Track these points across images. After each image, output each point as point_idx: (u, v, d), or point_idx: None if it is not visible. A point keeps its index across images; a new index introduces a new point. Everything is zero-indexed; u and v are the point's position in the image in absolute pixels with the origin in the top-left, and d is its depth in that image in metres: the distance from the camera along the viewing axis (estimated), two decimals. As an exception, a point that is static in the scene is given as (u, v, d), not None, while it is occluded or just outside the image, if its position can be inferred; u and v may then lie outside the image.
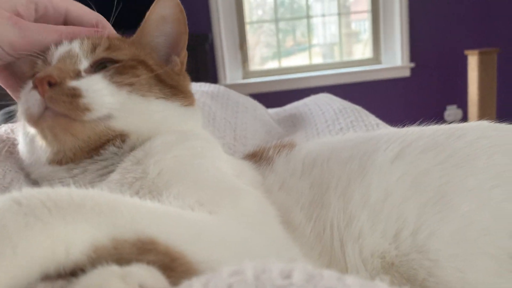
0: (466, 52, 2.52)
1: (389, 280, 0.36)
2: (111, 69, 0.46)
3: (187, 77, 0.56)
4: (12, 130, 0.61)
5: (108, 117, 0.44)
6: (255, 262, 0.23)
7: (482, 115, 2.47)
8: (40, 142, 0.45)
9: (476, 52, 2.43)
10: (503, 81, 2.70)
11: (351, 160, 0.44)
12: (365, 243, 0.39)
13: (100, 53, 0.48)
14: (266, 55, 3.18)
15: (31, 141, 0.47)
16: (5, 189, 0.44)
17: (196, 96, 0.76)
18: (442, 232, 0.36)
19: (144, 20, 0.53)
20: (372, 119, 0.78)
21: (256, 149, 0.55)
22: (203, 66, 2.49)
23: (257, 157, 0.52)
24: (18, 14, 0.47)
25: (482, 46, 2.62)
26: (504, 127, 0.45)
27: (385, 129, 0.51)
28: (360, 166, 0.43)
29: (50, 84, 0.41)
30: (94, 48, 0.48)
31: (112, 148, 0.45)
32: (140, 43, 0.52)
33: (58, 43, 0.48)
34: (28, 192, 0.26)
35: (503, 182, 0.38)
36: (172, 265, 0.26)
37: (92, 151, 0.45)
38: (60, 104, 0.41)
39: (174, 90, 0.50)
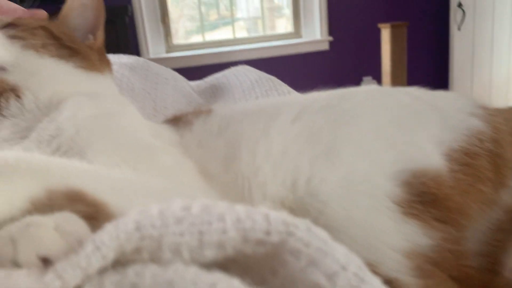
0: (379, 25, 2.69)
1: (270, 205, 0.42)
2: (9, 28, 0.49)
3: (103, 53, 0.59)
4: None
5: (1, 68, 0.46)
6: (163, 203, 0.26)
7: (394, 85, 2.68)
8: None
9: (388, 25, 2.60)
10: (412, 52, 2.94)
11: (259, 121, 0.49)
12: (268, 190, 0.44)
13: (4, 20, 0.50)
14: (190, 29, 3.13)
15: None
16: None
17: (115, 68, 0.76)
18: (330, 179, 0.42)
19: (64, 6, 0.57)
20: (285, 87, 0.84)
21: (176, 114, 0.58)
22: (124, 39, 2.39)
23: (175, 121, 0.55)
24: None
25: (393, 20, 2.82)
26: (387, 89, 0.52)
27: (291, 96, 0.57)
28: (265, 126, 0.48)
29: None
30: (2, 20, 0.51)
31: (14, 103, 0.47)
32: (57, 23, 0.55)
33: None
34: None
35: (380, 136, 0.44)
36: (97, 215, 0.29)
37: None
38: None
39: (73, 53, 0.52)
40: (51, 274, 0.24)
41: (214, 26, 3.18)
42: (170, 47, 2.96)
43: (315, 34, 3.04)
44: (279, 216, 0.25)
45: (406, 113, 0.48)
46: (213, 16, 3.18)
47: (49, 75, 0.49)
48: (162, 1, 2.86)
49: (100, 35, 0.58)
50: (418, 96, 0.51)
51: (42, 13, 0.59)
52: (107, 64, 0.59)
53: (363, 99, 0.49)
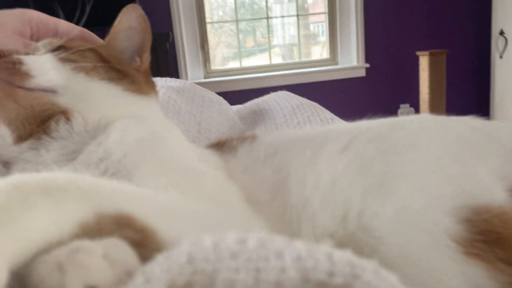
0: (418, 53, 2.65)
1: (333, 243, 0.40)
2: (60, 51, 0.50)
3: (149, 75, 0.59)
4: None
5: (52, 92, 0.47)
6: (215, 234, 0.25)
7: (432, 113, 2.59)
8: None
9: (426, 53, 2.56)
10: (452, 80, 2.86)
11: (306, 150, 0.47)
12: (317, 223, 0.42)
13: (56, 42, 0.51)
14: (227, 55, 3.20)
15: None
16: None
17: (162, 91, 0.77)
18: (384, 213, 0.39)
19: (111, 29, 0.58)
20: (327, 114, 0.82)
21: (220, 139, 0.58)
22: (164, 64, 2.47)
23: (220, 146, 0.54)
24: (19, 33, 0.54)
25: (432, 47, 2.77)
26: (442, 119, 0.49)
27: (338, 123, 0.55)
28: (312, 155, 0.46)
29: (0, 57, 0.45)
30: (51, 42, 0.52)
31: (63, 126, 0.47)
32: (105, 46, 0.56)
33: None
34: (20, 177, 0.27)
35: (437, 169, 0.42)
36: (145, 242, 0.28)
37: (40, 124, 0.47)
38: (2, 70, 0.44)
39: (121, 75, 0.53)
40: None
41: (250, 53, 3.23)
42: (208, 73, 3.02)
43: (352, 60, 3.03)
44: (344, 256, 0.23)
45: (463, 144, 0.45)
46: (249, 43, 3.24)
47: (98, 98, 0.50)
48: (202, 28, 2.95)
49: (147, 58, 0.59)
50: (475, 126, 0.49)
51: (92, 36, 0.60)
52: (153, 87, 0.59)
53: (416, 128, 0.47)
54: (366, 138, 0.46)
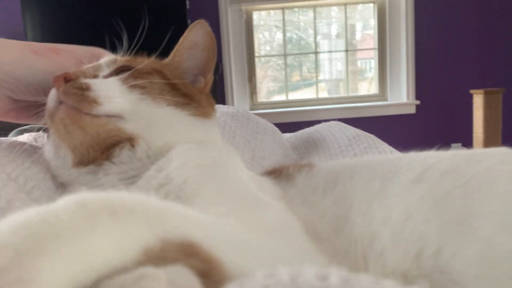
0: (472, 91, 2.56)
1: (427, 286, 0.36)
2: (127, 75, 0.49)
3: (210, 97, 0.58)
4: (35, 139, 0.63)
5: (118, 117, 0.46)
6: (288, 267, 0.23)
7: (487, 154, 2.47)
8: (56, 140, 0.47)
9: (481, 91, 2.46)
10: (508, 120, 2.73)
11: (373, 180, 0.44)
12: (387, 261, 0.38)
13: (120, 62, 0.51)
14: (273, 89, 3.24)
15: (56, 145, 0.49)
16: (27, 195, 0.45)
17: (217, 115, 0.78)
18: (465, 254, 0.36)
19: (177, 45, 0.57)
20: (386, 146, 0.79)
21: (275, 166, 0.56)
22: (213, 95, 2.53)
23: (276, 174, 0.52)
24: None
25: (486, 85, 2.67)
26: None
27: (405, 154, 0.52)
28: (381, 186, 0.43)
29: (66, 81, 0.45)
30: (116, 60, 0.52)
31: (126, 152, 0.46)
32: (170, 65, 0.56)
33: None
34: (86, 196, 0.26)
35: None
36: (210, 273, 0.26)
37: (104, 151, 0.46)
38: (70, 96, 0.44)
39: (187, 100, 0.52)
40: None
41: (296, 87, 3.26)
42: (255, 105, 3.06)
43: (401, 97, 2.97)
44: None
45: None
46: (295, 77, 3.27)
47: (165, 124, 0.49)
48: (250, 62, 3.02)
49: (210, 78, 0.57)
50: None
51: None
52: (213, 107, 0.58)
53: (496, 162, 0.43)
54: (440, 170, 0.43)
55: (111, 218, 0.25)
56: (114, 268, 0.24)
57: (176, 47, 0.56)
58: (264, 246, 0.33)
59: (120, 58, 0.53)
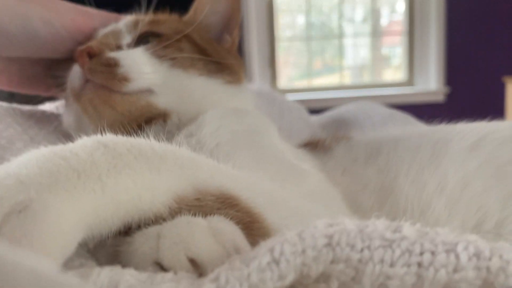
0: (505, 78, 2.45)
1: None
2: (153, 43, 0.45)
3: (238, 57, 0.54)
4: (57, 107, 0.60)
5: (149, 92, 0.43)
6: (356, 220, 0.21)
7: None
8: (84, 118, 0.44)
9: (515, 79, 2.36)
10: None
11: (422, 148, 0.42)
12: None
13: (143, 27, 0.47)
14: (294, 74, 3.18)
15: (78, 118, 0.45)
16: None
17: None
18: None
19: (196, 1, 0.52)
20: (422, 125, 0.75)
21: (311, 139, 0.53)
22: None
23: (312, 146, 0.50)
24: None
25: (521, 73, 2.55)
26: None
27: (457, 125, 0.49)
28: (433, 154, 0.40)
29: (90, 57, 0.41)
30: (137, 23, 0.48)
31: (156, 127, 0.43)
32: (192, 21, 0.51)
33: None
34: (113, 137, 0.25)
35: None
36: (251, 225, 0.24)
37: (135, 129, 0.42)
38: (98, 74, 0.41)
39: (219, 66, 0.48)
40: (209, 284, 0.18)
41: (317, 74, 3.19)
42: (276, 90, 3.02)
43: (430, 84, 2.87)
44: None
45: None
46: (317, 64, 3.20)
47: (198, 96, 0.46)
48: (272, 46, 2.97)
49: (237, 35, 0.53)
50: None
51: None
52: (243, 69, 0.54)
53: None
54: (498, 138, 0.40)
55: (138, 160, 0.23)
56: (143, 213, 0.23)
57: (194, 4, 0.52)
58: (307, 209, 0.31)
59: (140, 18, 0.49)
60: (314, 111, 2.71)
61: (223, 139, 0.38)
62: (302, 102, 2.85)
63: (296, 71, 3.18)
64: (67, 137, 0.48)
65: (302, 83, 3.11)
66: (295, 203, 0.31)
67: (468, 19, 2.79)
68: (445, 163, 0.39)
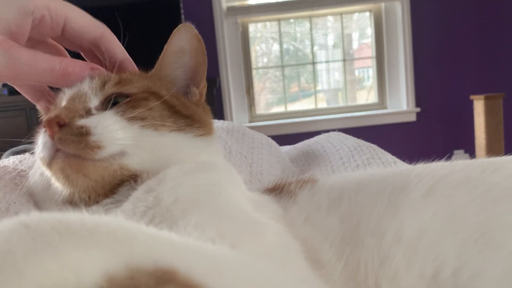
0: (472, 97, 2.54)
1: None
2: (122, 104, 0.45)
3: (207, 108, 0.54)
4: (20, 161, 0.60)
5: (121, 154, 0.42)
6: None
7: (490, 160, 2.44)
8: (55, 183, 0.43)
9: (482, 97, 2.44)
10: (510, 125, 2.70)
11: (380, 195, 0.41)
12: (402, 284, 0.35)
13: (110, 89, 0.46)
14: (271, 100, 3.23)
15: (47, 181, 0.44)
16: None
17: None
18: (488, 273, 0.33)
19: (162, 52, 0.51)
20: (389, 156, 0.76)
21: (276, 183, 0.52)
22: (211, 109, 2.51)
23: (277, 191, 0.48)
24: (12, 33, 0.44)
25: (487, 91, 2.65)
26: None
27: (413, 166, 0.49)
28: (390, 202, 0.40)
29: (60, 126, 0.40)
30: (103, 85, 0.47)
31: (125, 188, 0.42)
32: (158, 77, 0.51)
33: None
34: (37, 216, 0.23)
35: None
36: None
37: (107, 192, 0.42)
38: (69, 144, 0.40)
39: (189, 121, 0.48)
40: None
41: (294, 98, 3.24)
42: (253, 117, 3.04)
43: (401, 105, 2.95)
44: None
45: None
46: (293, 88, 3.26)
47: (169, 153, 0.45)
48: (248, 74, 3.01)
49: (204, 87, 0.53)
50: None
51: (132, 64, 0.53)
52: (212, 119, 0.54)
53: None
54: (452, 182, 0.39)
55: (64, 238, 0.22)
56: None
57: (161, 55, 0.51)
58: (258, 272, 0.30)
59: (105, 78, 0.48)
60: (291, 135, 2.75)
61: (182, 195, 0.38)
62: (279, 126, 2.91)
63: (273, 97, 3.22)
64: (25, 193, 0.47)
65: (280, 108, 3.15)
66: (247, 267, 0.30)
67: (434, 41, 2.91)
68: (402, 211, 0.39)
